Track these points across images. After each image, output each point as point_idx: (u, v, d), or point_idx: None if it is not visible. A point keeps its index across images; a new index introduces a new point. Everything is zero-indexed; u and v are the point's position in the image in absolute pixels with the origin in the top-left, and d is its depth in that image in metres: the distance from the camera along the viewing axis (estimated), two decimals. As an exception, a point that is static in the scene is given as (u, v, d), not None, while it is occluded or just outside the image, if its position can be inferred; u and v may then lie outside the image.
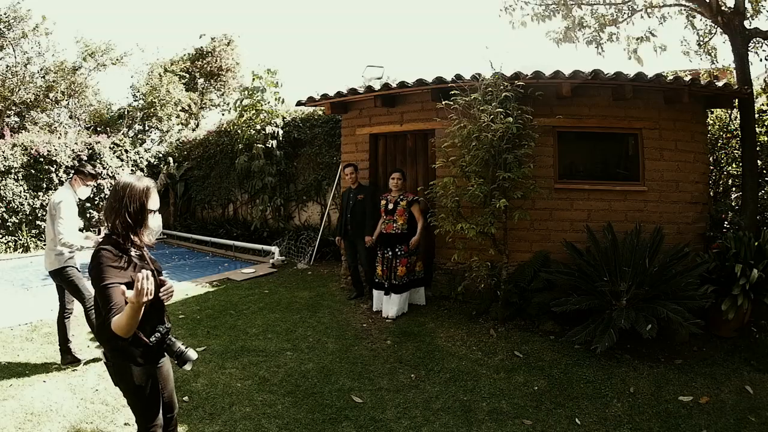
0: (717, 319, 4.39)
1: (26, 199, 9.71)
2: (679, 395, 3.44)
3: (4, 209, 9.43)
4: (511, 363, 4.02)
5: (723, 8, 5.66)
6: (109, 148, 11.23)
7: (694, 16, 6.60)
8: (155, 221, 2.07)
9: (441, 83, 5.20)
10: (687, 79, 5.07)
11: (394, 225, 5.24)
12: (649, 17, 6.61)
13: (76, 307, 4.02)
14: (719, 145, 6.49)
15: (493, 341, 4.46)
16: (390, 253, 5.23)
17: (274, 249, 8.08)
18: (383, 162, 6.27)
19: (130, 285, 1.79)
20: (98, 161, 10.70)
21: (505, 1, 6.70)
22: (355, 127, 6.42)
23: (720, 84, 5.37)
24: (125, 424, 2.98)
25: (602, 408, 3.30)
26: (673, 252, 4.70)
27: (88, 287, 3.78)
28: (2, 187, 9.37)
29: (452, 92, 4.76)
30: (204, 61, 16.96)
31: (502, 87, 4.53)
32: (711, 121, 6.52)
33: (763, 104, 6.34)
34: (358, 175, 5.89)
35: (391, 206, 5.30)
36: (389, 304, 5.19)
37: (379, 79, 6.34)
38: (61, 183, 10.19)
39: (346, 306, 5.64)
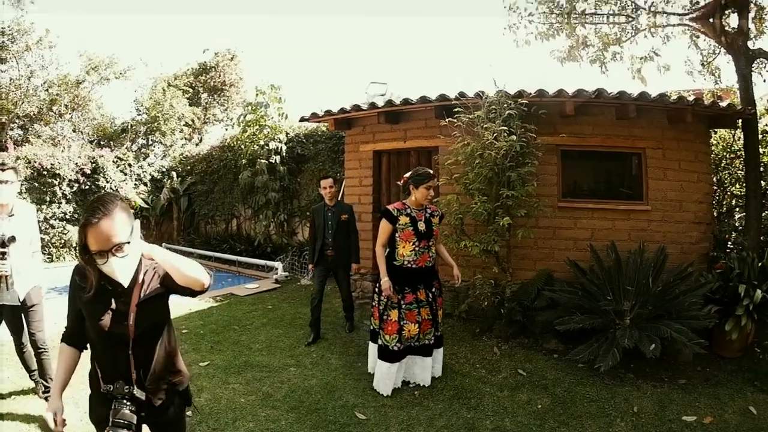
0: (720, 339, 4.38)
1: (29, 212, 9.78)
2: (683, 415, 3.42)
3: (8, 221, 9.47)
4: (515, 381, 4.01)
5: (727, 29, 5.77)
6: (113, 162, 11.31)
7: (697, 36, 6.70)
8: (111, 265, 1.54)
9: (444, 101, 5.28)
10: (690, 99, 5.16)
11: (429, 254, 3.79)
12: (653, 37, 6.74)
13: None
14: (723, 165, 6.56)
15: (497, 359, 4.45)
16: (431, 295, 3.86)
17: (278, 264, 8.09)
18: (387, 179, 6.32)
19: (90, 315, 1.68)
20: (101, 175, 10.77)
21: (509, 19, 6.83)
22: (358, 143, 6.49)
23: (723, 104, 5.46)
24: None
25: (606, 427, 3.28)
26: (677, 271, 4.72)
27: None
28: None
29: (456, 110, 4.82)
30: (207, 76, 17.15)
31: (505, 105, 4.61)
32: (714, 141, 6.60)
33: (766, 124, 6.41)
34: (337, 189, 5.24)
35: (423, 227, 3.71)
36: (435, 364, 4.03)
37: (382, 95, 6.44)
38: (65, 196, 10.25)
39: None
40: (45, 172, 9.92)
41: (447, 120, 4.85)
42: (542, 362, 4.39)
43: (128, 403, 1.63)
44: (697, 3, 6.16)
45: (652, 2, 6.45)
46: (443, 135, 5.32)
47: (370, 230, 5.95)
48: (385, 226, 3.71)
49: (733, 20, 5.96)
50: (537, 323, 4.91)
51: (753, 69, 5.84)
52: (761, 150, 5.83)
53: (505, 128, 4.46)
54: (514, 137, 4.43)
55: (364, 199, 6.00)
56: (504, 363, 4.36)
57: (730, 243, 5.81)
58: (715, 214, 6.10)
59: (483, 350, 4.66)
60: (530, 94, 4.87)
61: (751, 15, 6.03)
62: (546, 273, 5.34)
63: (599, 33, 6.80)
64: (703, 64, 6.99)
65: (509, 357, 4.51)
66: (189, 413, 3.26)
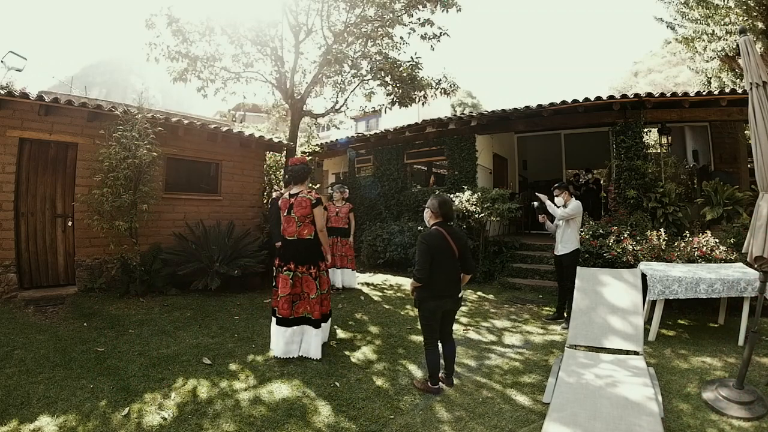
0: (270, 266, 8.10)
1: None
2: (264, 300, 6.82)
3: None
4: (168, 309, 6.19)
5: (295, 94, 9.60)
6: None
7: (274, 93, 10.26)
8: None
9: (98, 108, 6.59)
10: (257, 135, 8.72)
11: None
12: (245, 83, 9.81)
13: None
14: (270, 173, 10.56)
15: (149, 305, 6.39)
16: None
17: None
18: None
19: None
20: None
21: (148, 39, 8.24)
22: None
23: (275, 139, 9.39)
24: None
25: (227, 315, 6.14)
26: (241, 234, 8.13)
27: None
28: None
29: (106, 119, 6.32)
30: None
31: (146, 125, 6.61)
32: (268, 159, 10.41)
33: (301, 152, 11.08)
34: None
35: None
36: None
37: (20, 70, 6.13)
38: None
39: None
40: None
41: (104, 131, 6.33)
42: (174, 299, 6.75)
43: None
44: (277, 70, 9.49)
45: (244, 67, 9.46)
46: (89, 136, 6.60)
47: (11, 219, 6.26)
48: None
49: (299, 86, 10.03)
50: (160, 279, 7.15)
51: (302, 120, 10.17)
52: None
53: (148, 144, 6.51)
54: (154, 153, 6.54)
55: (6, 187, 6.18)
56: (154, 306, 6.39)
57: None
58: (264, 201, 9.83)
59: (134, 304, 6.40)
60: (161, 119, 7.03)
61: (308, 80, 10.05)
62: (157, 245, 7.56)
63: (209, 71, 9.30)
64: (273, 106, 11.33)
65: (151, 302, 6.55)
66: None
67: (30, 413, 3.20)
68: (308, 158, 12.04)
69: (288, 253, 4.51)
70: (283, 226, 4.58)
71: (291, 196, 4.56)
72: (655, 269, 5.26)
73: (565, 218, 5.72)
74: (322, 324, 4.59)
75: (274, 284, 4.72)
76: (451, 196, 8.90)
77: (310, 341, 4.48)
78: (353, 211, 8.04)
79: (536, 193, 6.14)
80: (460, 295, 3.82)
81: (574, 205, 5.72)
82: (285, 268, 4.48)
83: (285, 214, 4.54)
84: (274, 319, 4.57)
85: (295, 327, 4.47)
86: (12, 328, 5.09)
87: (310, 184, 6.22)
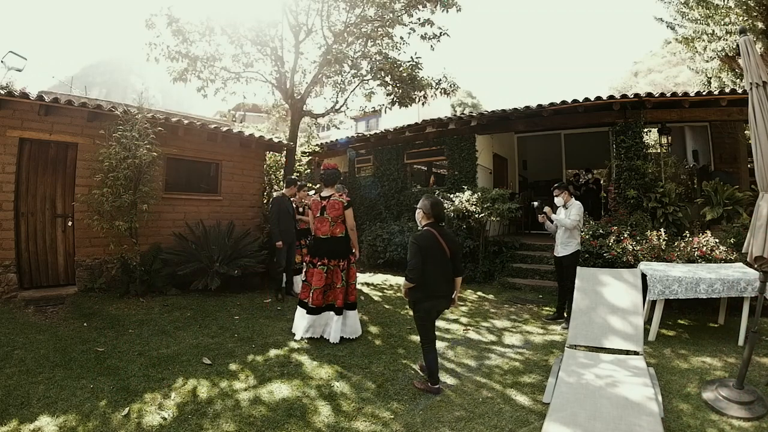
0: (270, 266, 8.12)
1: None
2: (264, 300, 6.82)
3: None
4: (168, 310, 6.21)
5: (295, 94, 9.61)
6: None
7: (274, 93, 10.25)
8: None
9: (98, 108, 6.57)
10: (257, 135, 8.71)
11: None
12: (246, 84, 9.85)
13: None
14: (270, 173, 10.54)
15: (149, 305, 6.40)
16: None
17: None
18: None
19: None
20: None
21: (148, 39, 8.26)
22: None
23: (275, 139, 9.36)
24: None
25: (227, 315, 6.15)
26: (241, 235, 8.13)
27: None
28: None
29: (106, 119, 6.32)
30: None
31: (146, 125, 6.60)
32: (267, 159, 10.37)
33: (301, 152, 11.06)
34: None
35: None
36: None
37: (20, 70, 6.14)
38: None
39: None
40: None
41: (105, 131, 6.33)
42: (174, 299, 6.75)
43: None
44: (277, 70, 9.50)
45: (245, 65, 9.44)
46: (89, 136, 6.60)
47: (11, 219, 6.25)
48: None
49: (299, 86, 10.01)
50: (160, 279, 7.15)
51: (301, 120, 10.17)
52: (296, 166, 10.32)
53: (148, 144, 6.50)
54: (154, 153, 6.53)
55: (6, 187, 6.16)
56: (155, 305, 6.39)
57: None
58: (264, 201, 9.85)
59: (134, 304, 6.40)
60: (161, 119, 7.02)
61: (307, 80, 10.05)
62: (157, 245, 7.55)
63: (209, 71, 9.31)
64: (273, 106, 11.31)
65: (151, 302, 6.55)
66: None
67: (30, 413, 3.20)
68: (312, 160, 12.08)
69: (322, 249, 5.06)
70: (316, 226, 5.11)
71: (323, 198, 5.06)
72: (655, 269, 5.27)
73: (574, 226, 5.67)
74: (348, 312, 5.13)
75: (304, 279, 5.21)
76: (451, 196, 8.91)
77: (331, 325, 5.02)
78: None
79: (545, 211, 5.98)
80: (453, 296, 3.85)
81: (577, 209, 5.69)
82: (319, 263, 5.03)
83: (318, 215, 5.06)
84: (303, 310, 5.13)
85: (322, 313, 5.05)
86: (12, 328, 5.09)
87: (309, 184, 6.25)
